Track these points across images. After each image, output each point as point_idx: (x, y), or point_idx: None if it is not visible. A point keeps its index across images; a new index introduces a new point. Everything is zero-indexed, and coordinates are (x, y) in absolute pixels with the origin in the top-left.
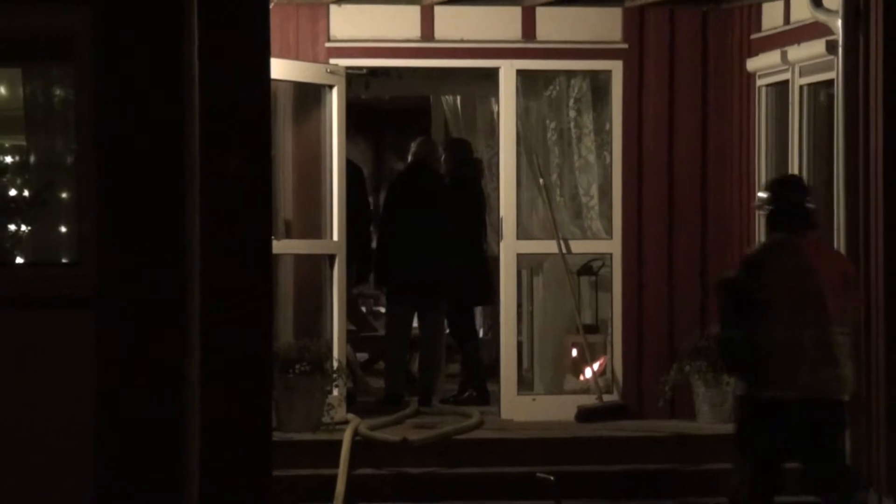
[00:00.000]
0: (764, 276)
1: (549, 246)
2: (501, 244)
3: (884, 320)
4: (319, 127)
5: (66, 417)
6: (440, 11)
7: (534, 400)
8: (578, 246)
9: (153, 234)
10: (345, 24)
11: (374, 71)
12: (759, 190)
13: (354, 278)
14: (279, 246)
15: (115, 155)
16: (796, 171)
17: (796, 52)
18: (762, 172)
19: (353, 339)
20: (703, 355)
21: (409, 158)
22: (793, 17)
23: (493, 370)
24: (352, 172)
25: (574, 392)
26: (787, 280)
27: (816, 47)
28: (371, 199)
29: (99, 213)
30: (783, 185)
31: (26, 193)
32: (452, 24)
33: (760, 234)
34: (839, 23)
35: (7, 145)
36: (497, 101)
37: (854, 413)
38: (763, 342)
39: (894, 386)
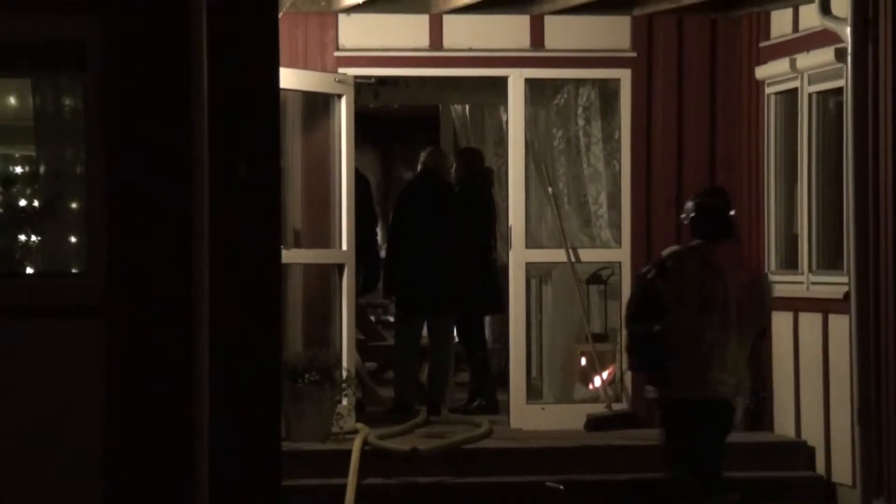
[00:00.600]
0: (673, 277)
1: (558, 255)
2: (510, 253)
3: (894, 334)
4: (328, 136)
5: (75, 426)
6: (449, 20)
7: (543, 409)
8: (587, 254)
9: (162, 243)
10: (353, 33)
11: (382, 80)
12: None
13: (361, 288)
14: (288, 255)
15: (124, 165)
16: (805, 179)
17: (805, 60)
18: (771, 180)
19: (363, 348)
20: None
21: (419, 168)
22: (801, 25)
23: (503, 379)
24: (358, 183)
25: (583, 401)
26: (695, 283)
27: (825, 55)
28: (379, 209)
29: (108, 223)
30: (709, 195)
31: (36, 204)
32: (461, 33)
33: (770, 243)
34: (848, 30)
35: (17, 156)
36: (506, 110)
37: (865, 423)
38: (667, 341)
39: None
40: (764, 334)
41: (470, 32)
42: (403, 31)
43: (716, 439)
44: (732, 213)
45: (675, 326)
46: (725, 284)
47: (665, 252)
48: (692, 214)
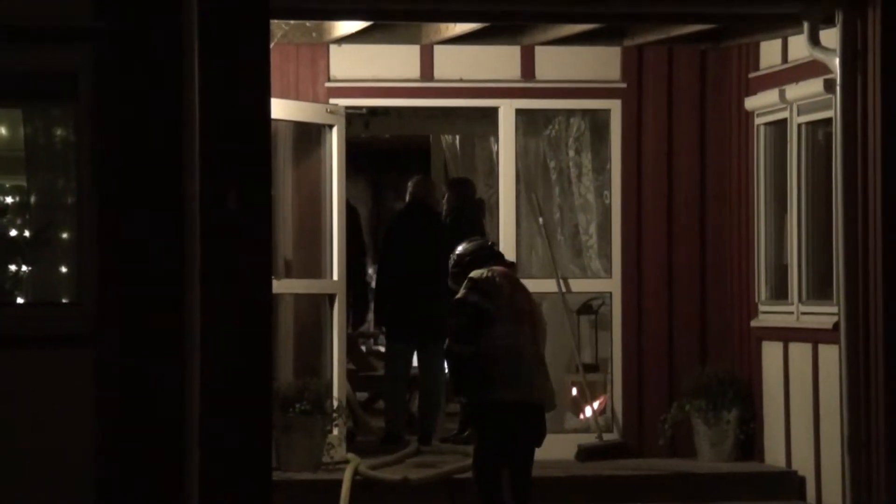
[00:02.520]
0: (490, 293)
1: (549, 285)
2: None
3: (883, 364)
4: (319, 166)
5: (66, 454)
6: (439, 51)
7: None
8: (578, 285)
9: (153, 273)
10: (344, 63)
11: (373, 110)
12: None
13: (351, 322)
14: (279, 285)
15: (116, 194)
16: (795, 210)
17: (794, 91)
18: (761, 211)
19: (353, 378)
20: (704, 393)
21: (407, 198)
22: (791, 56)
23: None
24: (348, 213)
25: (574, 431)
26: (507, 298)
27: (814, 86)
28: (368, 239)
29: (99, 253)
30: (476, 238)
31: (27, 233)
32: (452, 64)
33: (760, 272)
34: (837, 61)
35: (8, 186)
36: (496, 141)
37: (855, 453)
38: (489, 350)
39: (894, 418)
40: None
41: (461, 63)
42: (394, 62)
43: (529, 443)
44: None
45: (497, 337)
46: (529, 301)
47: (474, 275)
48: (478, 251)
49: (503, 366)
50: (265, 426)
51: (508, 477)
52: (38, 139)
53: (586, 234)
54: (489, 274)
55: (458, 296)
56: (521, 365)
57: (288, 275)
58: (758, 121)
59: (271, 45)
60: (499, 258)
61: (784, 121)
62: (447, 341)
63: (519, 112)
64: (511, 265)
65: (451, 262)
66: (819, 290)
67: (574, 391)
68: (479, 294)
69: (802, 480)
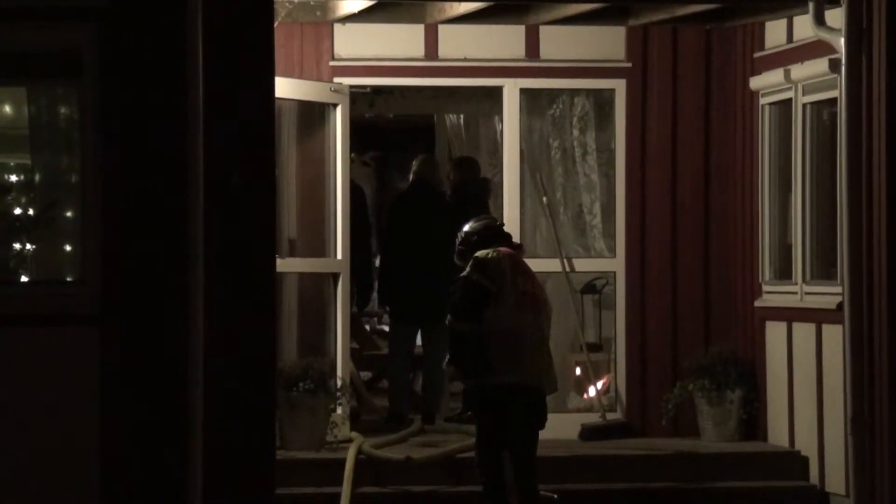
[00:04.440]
0: (494, 274)
1: (553, 264)
2: None
3: (887, 344)
4: (323, 145)
5: (70, 432)
6: (444, 30)
7: None
8: (582, 264)
9: (157, 251)
10: (349, 42)
11: (378, 89)
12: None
13: (357, 302)
14: (283, 264)
15: (120, 173)
16: (799, 190)
17: (799, 71)
18: (765, 191)
19: (357, 357)
20: (707, 373)
21: (411, 177)
22: (796, 36)
23: None
24: (353, 192)
25: (578, 410)
26: (510, 280)
27: (819, 66)
28: (374, 219)
29: (103, 231)
30: (484, 217)
31: (31, 212)
32: (456, 43)
33: (764, 253)
34: (842, 41)
35: (12, 164)
36: (500, 120)
37: (858, 433)
38: (489, 331)
39: None
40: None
41: (465, 42)
42: (399, 41)
43: (529, 427)
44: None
45: (497, 320)
46: (533, 284)
47: (480, 254)
48: (485, 231)
49: (503, 348)
50: (269, 405)
51: (510, 460)
52: (42, 117)
53: (590, 214)
54: (494, 255)
55: (463, 274)
56: (521, 348)
57: (292, 254)
58: (762, 101)
59: (275, 24)
60: (506, 239)
61: (789, 101)
62: (448, 318)
63: (523, 91)
64: (518, 247)
65: (458, 239)
66: (823, 270)
67: (578, 371)
68: (483, 274)
69: (805, 460)
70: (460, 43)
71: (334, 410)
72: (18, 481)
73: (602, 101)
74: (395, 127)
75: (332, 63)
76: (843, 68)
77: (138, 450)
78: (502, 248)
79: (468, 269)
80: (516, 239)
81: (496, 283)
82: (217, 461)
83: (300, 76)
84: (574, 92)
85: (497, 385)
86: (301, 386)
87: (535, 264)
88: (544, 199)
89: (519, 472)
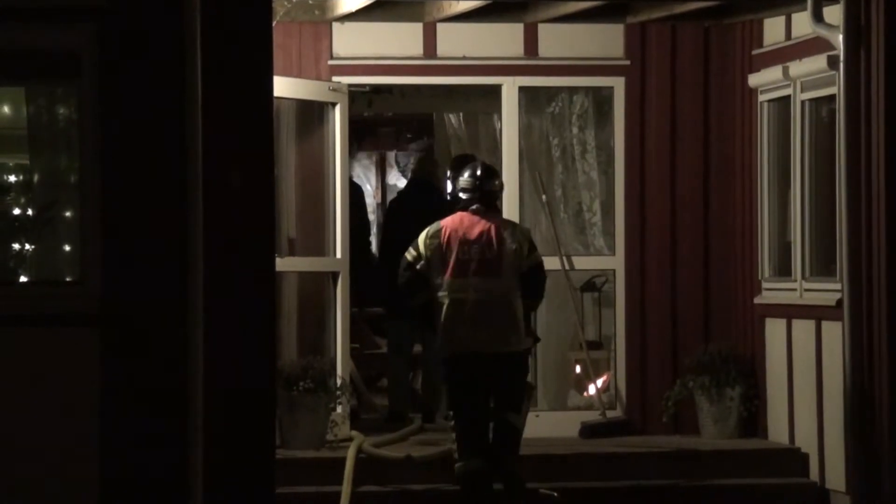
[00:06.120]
0: (425, 248)
1: (552, 262)
2: None
3: (886, 341)
4: (322, 144)
5: (70, 434)
6: (442, 29)
7: (537, 416)
8: (581, 262)
9: (156, 252)
10: (347, 41)
11: (376, 88)
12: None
13: (356, 301)
14: (282, 263)
15: (119, 173)
16: (798, 187)
17: (798, 68)
18: (764, 188)
19: (357, 356)
20: (707, 370)
21: (410, 175)
22: (794, 33)
23: None
24: (351, 191)
25: (578, 408)
26: (448, 249)
27: (818, 62)
28: (374, 218)
29: (103, 232)
30: (463, 170)
31: (30, 212)
32: (455, 42)
33: (763, 250)
34: (840, 38)
35: (11, 164)
36: (499, 118)
37: (858, 430)
38: (434, 304)
39: None
40: (539, 271)
41: (464, 41)
42: (397, 40)
43: (492, 390)
44: (497, 189)
45: (434, 292)
46: (481, 248)
47: (424, 231)
48: (469, 191)
49: (444, 318)
50: (269, 404)
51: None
52: (42, 118)
53: (590, 212)
54: (431, 229)
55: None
56: (460, 317)
57: (291, 253)
58: (761, 97)
59: (274, 23)
60: (482, 200)
61: (787, 97)
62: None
63: (522, 89)
64: (486, 208)
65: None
66: (822, 267)
67: (578, 369)
68: (414, 249)
69: (805, 457)
70: (459, 41)
71: (334, 409)
72: (18, 481)
73: (601, 99)
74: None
75: (330, 62)
76: (842, 65)
77: (138, 449)
78: (458, 215)
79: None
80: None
81: (425, 257)
82: (217, 460)
83: (299, 75)
84: (573, 90)
85: (448, 354)
86: (301, 385)
87: None
88: (543, 197)
89: (495, 440)
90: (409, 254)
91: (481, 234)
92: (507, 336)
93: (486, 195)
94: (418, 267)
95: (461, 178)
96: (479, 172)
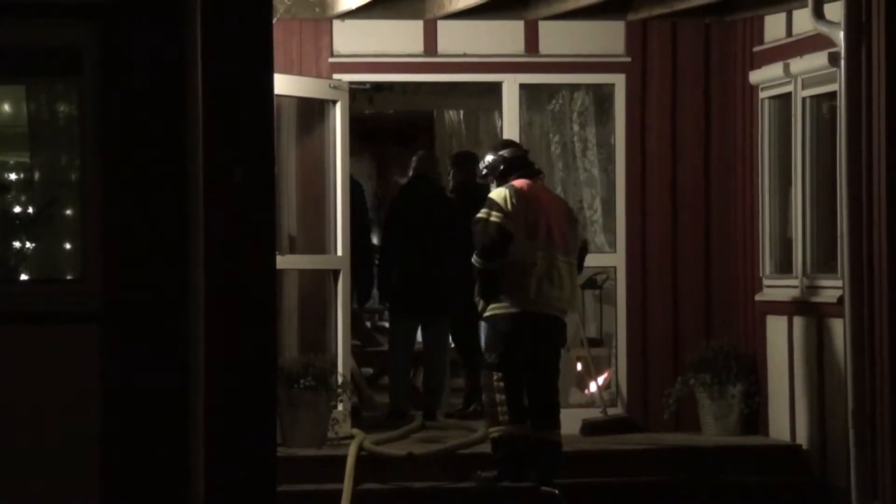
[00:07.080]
0: (507, 210)
1: None
2: None
3: (888, 337)
4: (323, 142)
5: (70, 431)
6: (443, 26)
7: None
8: None
9: (157, 249)
10: (348, 39)
11: (377, 86)
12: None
13: (357, 299)
14: (283, 261)
15: (120, 170)
16: (800, 184)
17: (799, 65)
18: (765, 185)
19: (358, 353)
20: (708, 368)
21: (410, 173)
22: (795, 30)
23: None
24: (352, 189)
25: (579, 406)
26: (522, 212)
27: (819, 59)
28: (374, 216)
29: (103, 229)
30: (506, 146)
31: (31, 210)
32: (455, 39)
33: (764, 247)
34: (841, 35)
35: (11, 162)
36: (500, 115)
37: (860, 427)
38: (507, 266)
39: None
40: (585, 251)
41: (464, 38)
42: (398, 37)
43: (541, 352)
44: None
45: (511, 255)
46: (547, 214)
47: (494, 195)
48: (510, 161)
49: (513, 279)
50: (270, 402)
51: (526, 385)
52: (42, 115)
53: (590, 209)
54: (507, 193)
55: (481, 216)
56: (528, 278)
57: (292, 250)
58: (762, 94)
59: (274, 21)
60: (527, 167)
61: (788, 94)
62: (475, 259)
63: (523, 87)
64: (537, 173)
65: (484, 170)
66: (823, 263)
67: (579, 366)
68: (499, 212)
69: (806, 454)
70: (459, 38)
71: (335, 407)
72: (18, 480)
73: (602, 96)
74: (395, 123)
75: (331, 59)
76: (843, 62)
77: (139, 447)
78: (517, 181)
79: (484, 209)
80: None
81: (510, 217)
82: (218, 458)
83: (299, 73)
84: (574, 87)
85: (519, 311)
86: (302, 383)
87: None
88: None
89: (533, 403)
90: (493, 215)
91: (551, 202)
92: (573, 302)
93: (532, 167)
94: (506, 227)
95: (503, 153)
96: (522, 147)
